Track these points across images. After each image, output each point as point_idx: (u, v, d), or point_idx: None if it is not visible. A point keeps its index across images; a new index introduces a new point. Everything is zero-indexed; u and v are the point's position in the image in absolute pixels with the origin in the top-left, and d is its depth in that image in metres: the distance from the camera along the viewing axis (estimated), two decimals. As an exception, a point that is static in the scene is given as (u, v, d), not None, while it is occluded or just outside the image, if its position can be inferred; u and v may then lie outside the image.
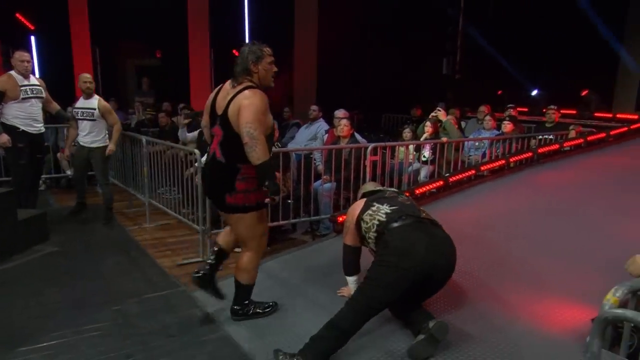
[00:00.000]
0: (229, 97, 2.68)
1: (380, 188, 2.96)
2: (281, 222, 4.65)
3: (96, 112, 5.12)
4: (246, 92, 2.65)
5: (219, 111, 2.70)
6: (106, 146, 5.21)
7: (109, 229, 5.12)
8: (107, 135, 5.30)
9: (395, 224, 2.55)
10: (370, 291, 2.44)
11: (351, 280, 2.89)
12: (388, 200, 2.72)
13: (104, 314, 3.19)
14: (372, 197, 2.80)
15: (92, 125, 5.13)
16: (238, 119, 2.59)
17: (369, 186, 3.01)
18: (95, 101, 5.13)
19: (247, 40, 10.94)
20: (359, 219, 2.69)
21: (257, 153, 2.55)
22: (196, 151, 4.51)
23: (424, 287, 2.61)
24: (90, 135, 5.14)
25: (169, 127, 7.11)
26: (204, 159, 4.57)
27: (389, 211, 2.63)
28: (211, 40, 9.60)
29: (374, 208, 2.67)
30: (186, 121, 6.31)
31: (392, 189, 2.98)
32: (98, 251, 4.42)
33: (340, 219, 4.37)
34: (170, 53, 9.96)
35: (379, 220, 2.61)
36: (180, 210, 5.04)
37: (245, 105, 2.58)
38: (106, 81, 9.76)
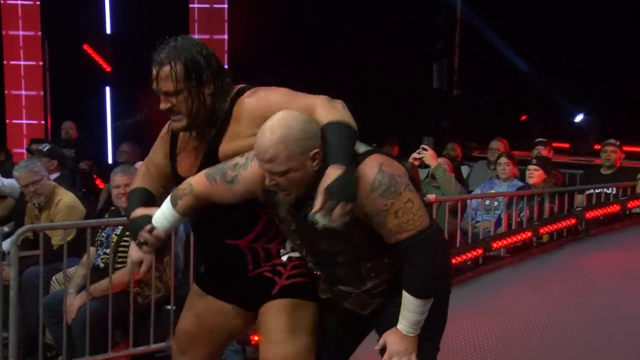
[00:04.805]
0: None
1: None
2: (153, 347, 4.44)
3: None
4: None
5: None
6: None
7: None
8: None
9: (436, 226, 2.58)
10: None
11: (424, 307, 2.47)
12: None
13: None
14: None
15: None
16: None
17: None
18: None
19: (107, 29, 11.03)
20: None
21: None
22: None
23: None
24: None
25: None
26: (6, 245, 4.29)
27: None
28: (44, 27, 9.35)
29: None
30: None
31: None
32: None
33: (257, 338, 4.15)
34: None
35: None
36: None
37: None
38: None
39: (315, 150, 2.28)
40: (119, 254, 4.44)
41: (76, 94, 9.36)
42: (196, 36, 10.29)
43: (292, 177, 2.29)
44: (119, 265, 4.41)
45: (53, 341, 4.51)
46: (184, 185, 2.57)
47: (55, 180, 5.45)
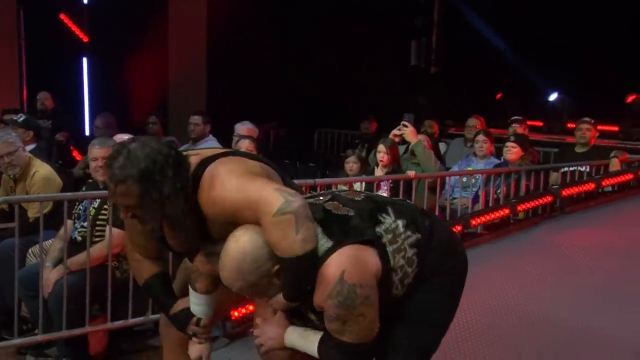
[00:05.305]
0: None
1: (315, 200, 2.58)
2: (131, 321, 4.39)
3: None
4: None
5: None
6: None
7: None
8: None
9: (437, 233, 2.56)
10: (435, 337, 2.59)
11: None
12: (375, 204, 2.54)
13: None
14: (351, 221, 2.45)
15: None
16: None
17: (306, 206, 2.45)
18: None
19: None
20: (388, 271, 2.41)
21: None
22: None
23: None
24: None
25: None
26: None
27: (405, 222, 2.49)
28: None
29: (389, 236, 2.42)
30: None
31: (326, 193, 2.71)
32: None
33: (237, 313, 4.27)
34: None
35: (410, 245, 2.45)
36: None
37: None
38: None
39: (275, 268, 2.29)
40: (97, 228, 4.34)
41: (52, 64, 9.19)
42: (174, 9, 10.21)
43: (264, 293, 2.36)
44: (97, 239, 4.30)
45: (29, 314, 4.39)
46: (193, 269, 2.65)
47: (31, 151, 5.29)
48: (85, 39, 9.92)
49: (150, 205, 2.37)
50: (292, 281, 2.30)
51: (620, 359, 3.83)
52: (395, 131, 6.11)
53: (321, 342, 2.40)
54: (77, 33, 9.87)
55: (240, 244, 2.28)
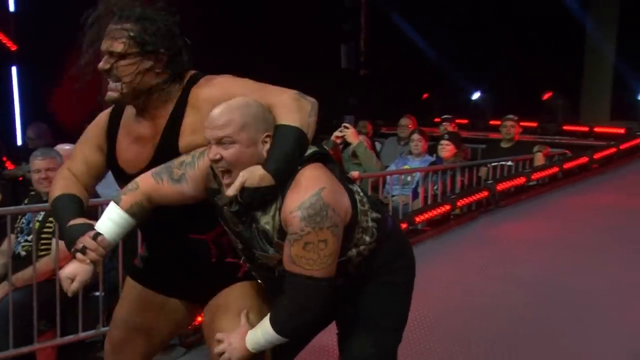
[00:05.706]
0: None
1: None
2: (82, 335, 4.21)
3: None
4: None
5: None
6: None
7: None
8: None
9: (394, 225, 2.50)
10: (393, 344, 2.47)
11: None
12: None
13: None
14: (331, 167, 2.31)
15: None
16: None
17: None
18: None
19: (11, 6, 10.43)
20: (354, 223, 2.25)
21: None
22: None
23: None
24: None
25: None
26: None
27: (368, 200, 2.36)
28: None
29: (358, 197, 2.29)
30: None
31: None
32: None
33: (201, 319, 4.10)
34: None
35: (372, 219, 2.32)
36: None
37: None
38: None
39: (267, 134, 2.11)
40: (42, 241, 4.12)
41: (-21, 74, 8.85)
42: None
43: (238, 154, 2.09)
44: (42, 253, 4.10)
45: (-28, 334, 4.16)
46: (129, 185, 2.27)
47: (-37, 164, 5.07)
48: (14, 48, 9.56)
49: (139, 60, 2.23)
50: (282, 150, 2.10)
51: (556, 345, 3.87)
52: (337, 133, 6.04)
53: (271, 310, 2.24)
54: (5, 42, 9.50)
55: (249, 98, 2.16)
